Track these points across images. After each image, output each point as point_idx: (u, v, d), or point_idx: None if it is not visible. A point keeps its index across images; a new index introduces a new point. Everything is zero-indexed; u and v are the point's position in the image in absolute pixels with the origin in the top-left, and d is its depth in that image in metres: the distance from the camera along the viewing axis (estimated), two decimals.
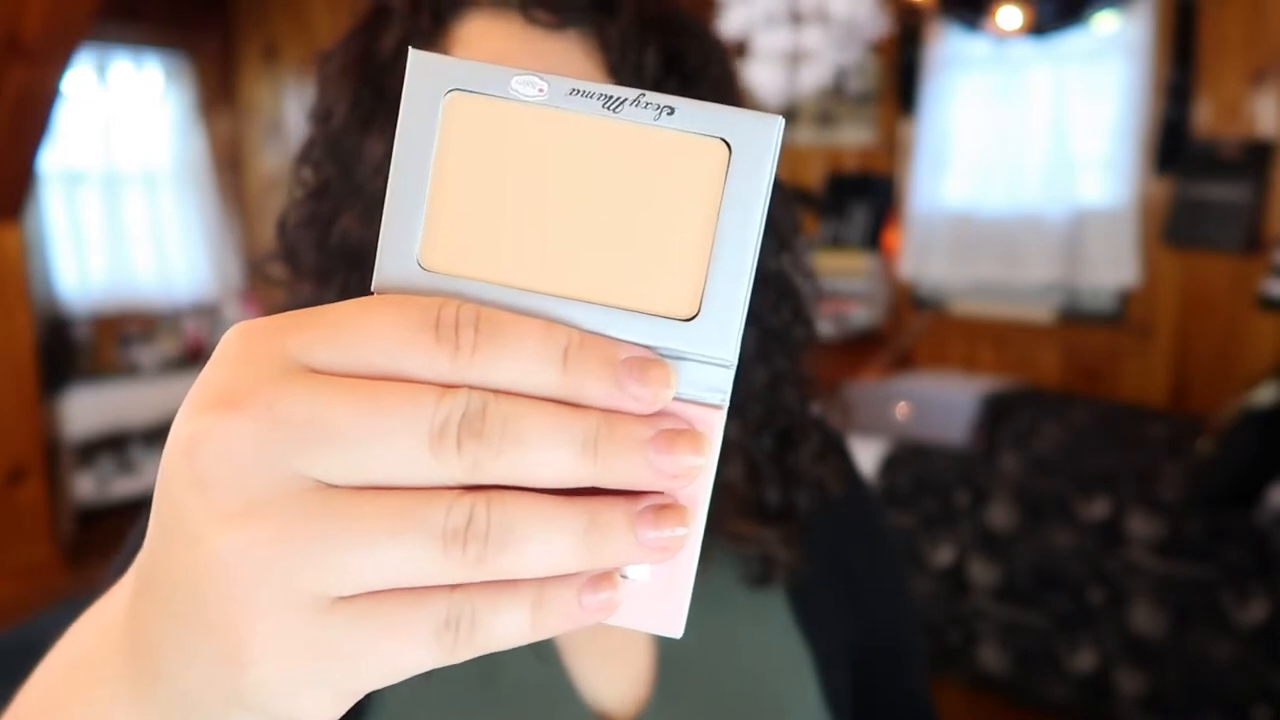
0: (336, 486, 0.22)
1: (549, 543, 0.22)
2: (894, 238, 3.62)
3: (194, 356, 4.38)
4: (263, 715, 0.23)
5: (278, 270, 0.56)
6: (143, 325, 4.28)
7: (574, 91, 0.23)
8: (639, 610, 0.25)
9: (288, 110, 4.55)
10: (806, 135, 3.75)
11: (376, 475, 0.22)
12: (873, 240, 3.60)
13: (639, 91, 0.23)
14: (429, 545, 0.21)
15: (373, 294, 0.24)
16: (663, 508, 0.23)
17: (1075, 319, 3.33)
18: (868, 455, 2.64)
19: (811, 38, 2.42)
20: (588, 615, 0.23)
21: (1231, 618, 2.09)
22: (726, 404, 0.24)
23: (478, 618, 0.22)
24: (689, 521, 0.23)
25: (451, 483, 0.22)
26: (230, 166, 4.71)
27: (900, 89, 3.55)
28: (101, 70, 4.14)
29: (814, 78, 2.47)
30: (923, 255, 3.52)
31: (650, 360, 0.23)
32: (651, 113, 0.23)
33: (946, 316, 3.58)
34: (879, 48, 3.38)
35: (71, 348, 4.03)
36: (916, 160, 3.51)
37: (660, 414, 0.23)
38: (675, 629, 0.25)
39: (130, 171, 4.27)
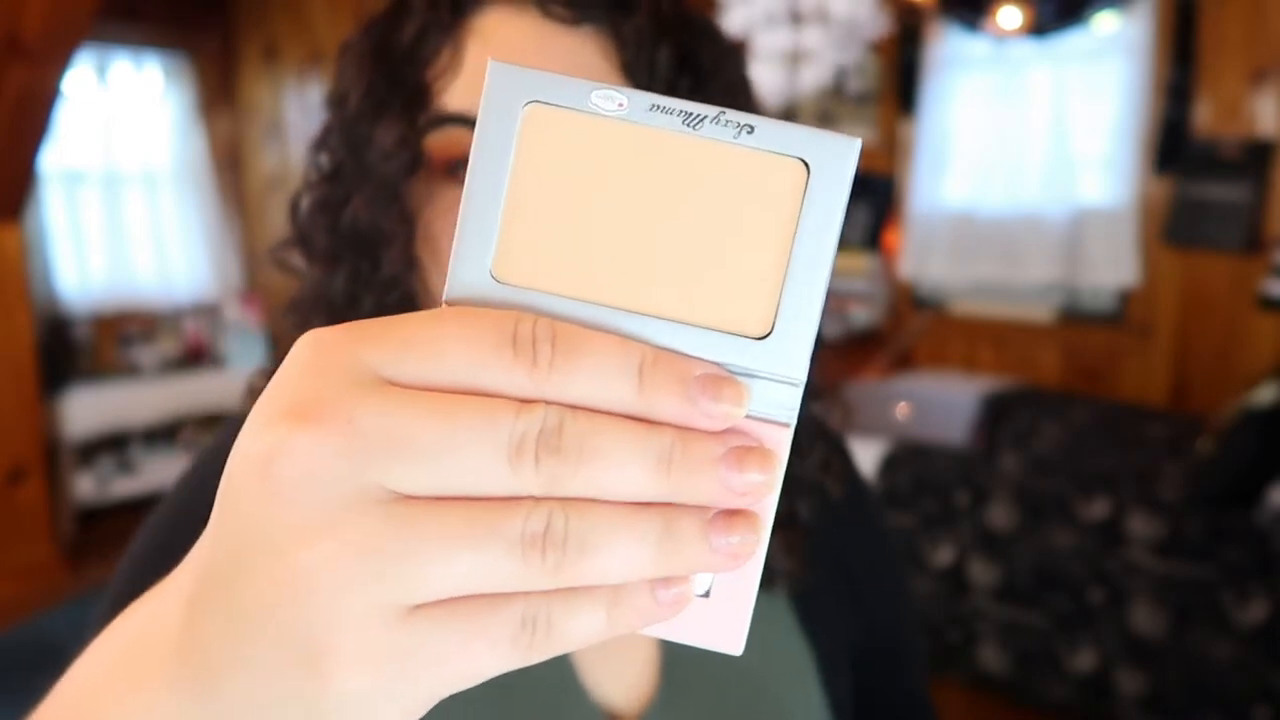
0: (416, 498, 0.22)
1: (625, 549, 0.22)
2: (894, 238, 3.62)
3: (194, 356, 4.38)
4: None
5: (295, 259, 0.56)
6: (143, 325, 4.28)
7: (654, 107, 0.23)
8: (699, 626, 0.25)
9: (288, 110, 4.55)
10: None
11: (454, 488, 0.22)
12: (873, 240, 3.60)
13: (719, 109, 0.23)
14: (508, 553, 0.22)
15: (445, 303, 0.24)
16: (734, 514, 0.23)
17: (1075, 319, 3.33)
18: (868, 455, 2.64)
19: (811, 38, 2.42)
20: (662, 612, 0.23)
21: (1231, 618, 2.09)
22: (794, 422, 0.24)
23: (554, 619, 0.23)
24: (759, 529, 0.23)
25: (526, 494, 0.22)
26: (230, 166, 4.71)
27: (900, 89, 3.55)
28: (101, 70, 4.14)
29: (814, 78, 2.47)
30: (923, 255, 3.52)
31: (723, 378, 0.23)
32: (731, 130, 0.23)
33: (946, 316, 3.58)
34: (879, 48, 3.38)
35: (71, 348, 4.04)
36: (916, 160, 3.51)
37: (730, 431, 0.23)
38: (736, 646, 0.25)
39: (130, 171, 4.27)
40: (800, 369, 0.24)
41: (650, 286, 0.24)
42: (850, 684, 0.63)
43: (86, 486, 3.80)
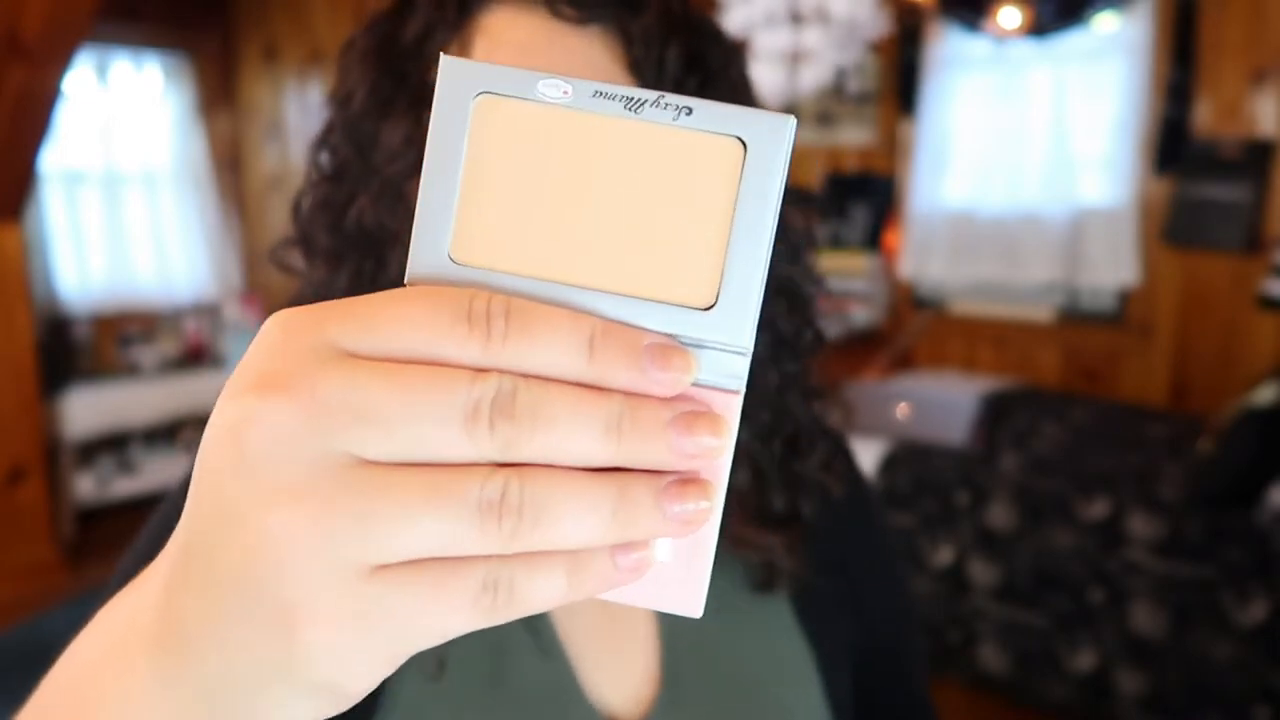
0: (377, 463, 0.23)
1: (579, 516, 0.23)
2: (894, 238, 3.62)
3: (194, 356, 4.38)
4: (307, 684, 0.24)
5: (296, 258, 0.56)
6: (143, 325, 4.28)
7: (597, 94, 0.24)
8: (659, 591, 0.26)
9: (288, 110, 4.55)
10: (806, 135, 3.75)
11: (414, 453, 0.23)
12: (873, 240, 3.60)
13: (658, 93, 0.24)
14: (465, 517, 0.22)
15: (405, 284, 0.25)
16: (686, 482, 0.24)
17: (1075, 319, 3.33)
18: (868, 455, 2.64)
19: (811, 38, 2.42)
20: (621, 577, 0.24)
21: (1231, 618, 2.09)
22: (743, 389, 0.25)
23: (515, 583, 0.23)
24: (711, 495, 0.24)
25: (484, 461, 0.23)
26: (230, 166, 4.71)
27: (900, 89, 3.55)
28: (101, 70, 4.14)
29: (814, 78, 2.47)
30: (923, 255, 3.52)
31: (671, 347, 0.24)
32: (670, 113, 0.24)
33: (946, 316, 3.58)
34: (879, 48, 3.38)
35: (71, 348, 4.04)
36: (916, 160, 3.51)
37: (680, 398, 0.24)
38: (695, 609, 0.26)
39: (130, 171, 4.27)
40: (747, 337, 0.25)
41: (600, 263, 0.25)
42: (850, 684, 0.63)
43: (86, 486, 3.80)
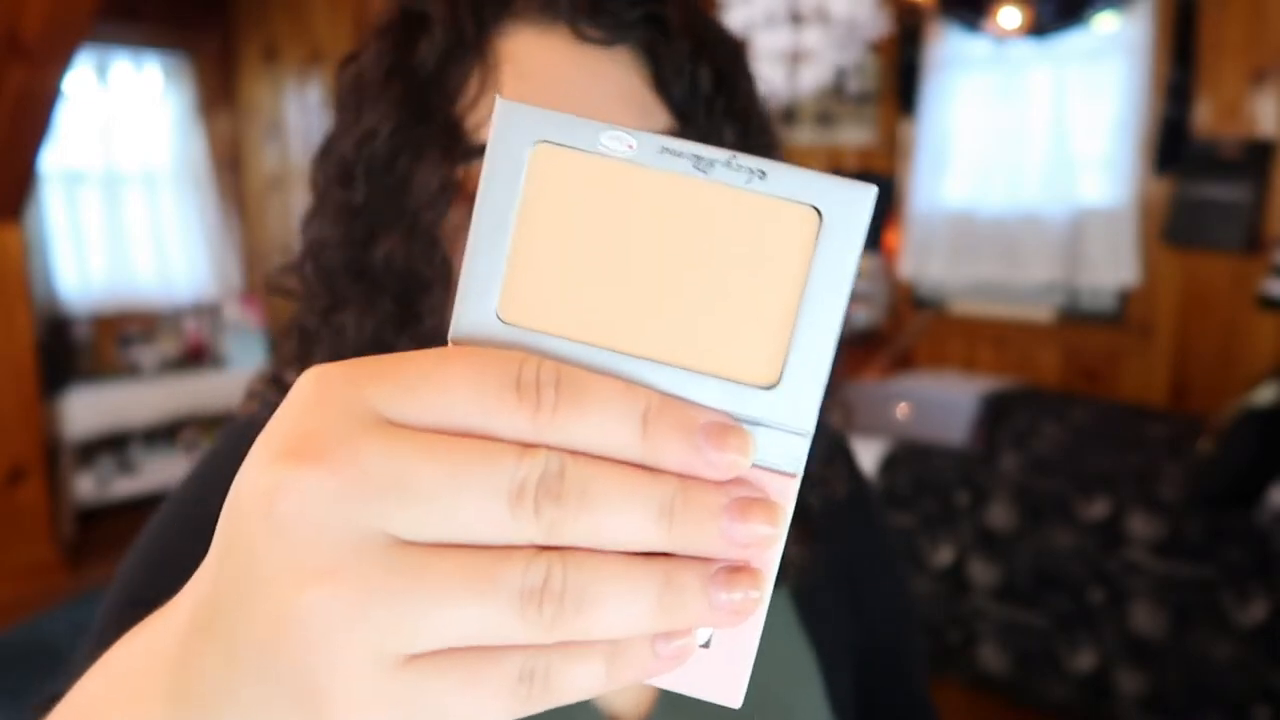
0: (414, 543, 0.22)
1: (624, 604, 0.22)
2: (894, 238, 3.62)
3: (194, 356, 4.38)
4: None
5: (291, 282, 0.55)
6: (143, 325, 4.28)
7: (664, 150, 0.23)
8: (698, 677, 0.24)
9: (288, 110, 4.55)
10: (806, 135, 3.75)
11: (454, 534, 0.22)
12: (873, 240, 3.61)
13: (730, 154, 0.23)
14: (505, 605, 0.21)
15: (449, 342, 0.24)
16: (736, 570, 0.23)
17: (1075, 319, 3.33)
18: (868, 455, 2.64)
19: (811, 38, 2.42)
20: (662, 666, 0.23)
21: (1231, 618, 2.09)
22: (801, 473, 0.24)
23: (552, 672, 0.22)
24: (761, 585, 0.23)
25: (527, 543, 0.22)
26: (230, 166, 4.71)
27: (900, 89, 3.55)
28: (101, 70, 4.14)
29: (814, 78, 2.47)
30: (923, 255, 3.52)
31: (728, 427, 0.23)
32: (743, 175, 0.23)
33: (946, 316, 3.58)
34: (879, 48, 3.38)
35: (71, 348, 4.03)
36: (916, 160, 3.51)
37: (735, 481, 0.23)
38: (735, 699, 0.25)
39: (130, 171, 4.27)
40: (809, 420, 0.23)
41: (657, 332, 0.23)
42: (851, 684, 0.63)
43: (86, 486, 3.80)
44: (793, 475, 0.24)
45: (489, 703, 0.22)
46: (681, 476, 0.22)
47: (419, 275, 0.49)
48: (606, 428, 0.22)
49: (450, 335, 0.24)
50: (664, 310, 0.23)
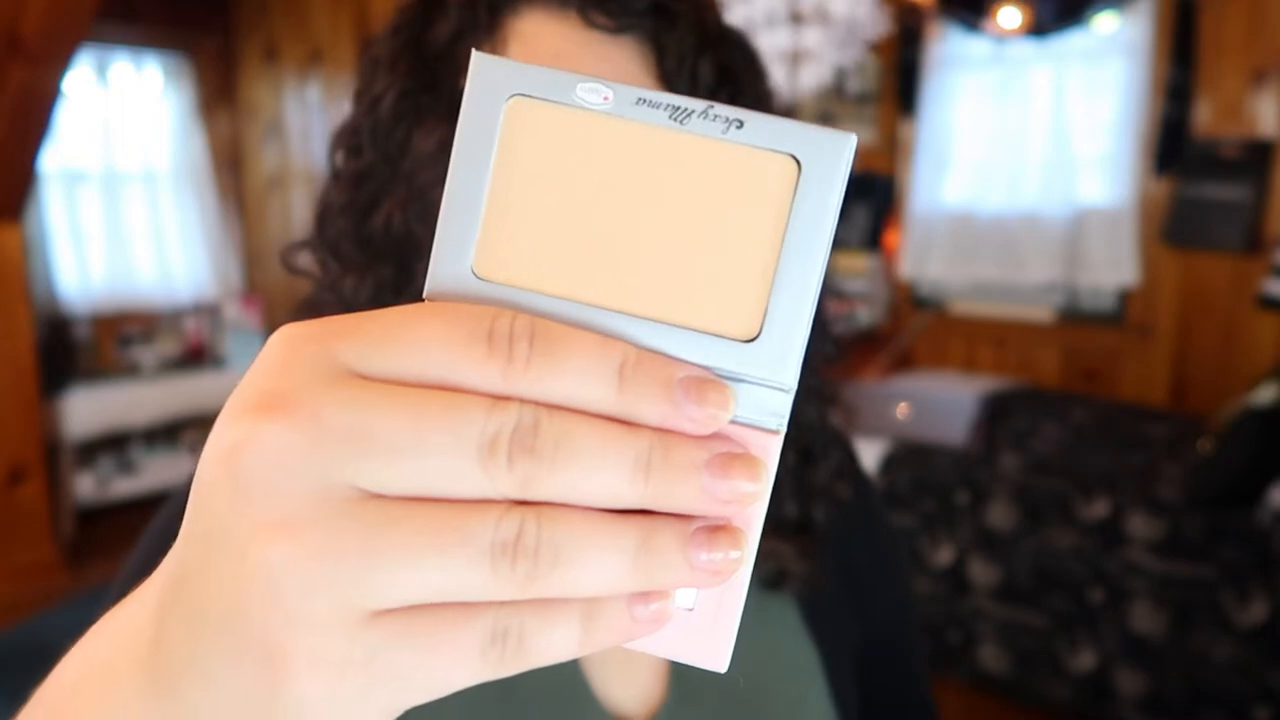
0: (383, 497, 0.21)
1: (599, 562, 0.21)
2: (894, 238, 3.63)
3: (194, 356, 4.38)
4: None
5: (305, 260, 0.55)
6: (143, 325, 4.28)
7: (640, 101, 0.22)
8: (683, 641, 0.24)
9: (288, 110, 4.55)
10: None
11: (424, 487, 0.21)
12: (873, 240, 3.60)
13: (707, 103, 0.23)
14: (477, 560, 0.21)
15: (424, 299, 0.23)
16: (716, 529, 0.22)
17: (1075, 319, 3.33)
18: (868, 455, 2.64)
19: (811, 38, 2.42)
20: (639, 629, 0.23)
21: (1231, 618, 2.09)
22: (784, 429, 0.23)
23: (526, 632, 0.22)
24: (743, 545, 0.22)
25: (500, 498, 0.21)
26: (230, 166, 4.71)
27: (900, 89, 3.55)
28: (101, 70, 4.14)
29: (814, 78, 2.47)
30: (923, 255, 3.52)
31: (708, 381, 0.22)
32: (720, 126, 0.22)
33: (946, 316, 3.58)
34: (879, 48, 3.38)
35: (71, 348, 4.04)
36: (916, 160, 3.51)
37: (716, 437, 0.22)
38: (720, 663, 0.24)
39: (130, 171, 4.27)
40: (791, 374, 0.23)
41: (635, 285, 0.23)
42: (854, 684, 0.63)
43: (86, 486, 3.80)
44: (775, 432, 0.23)
45: (459, 665, 0.21)
46: (660, 431, 0.22)
47: (415, 238, 0.50)
48: (582, 381, 0.21)
49: (425, 291, 0.23)
50: (641, 264, 0.23)
